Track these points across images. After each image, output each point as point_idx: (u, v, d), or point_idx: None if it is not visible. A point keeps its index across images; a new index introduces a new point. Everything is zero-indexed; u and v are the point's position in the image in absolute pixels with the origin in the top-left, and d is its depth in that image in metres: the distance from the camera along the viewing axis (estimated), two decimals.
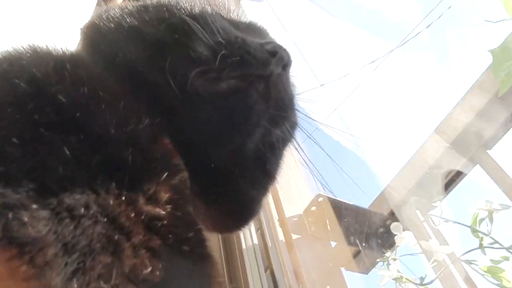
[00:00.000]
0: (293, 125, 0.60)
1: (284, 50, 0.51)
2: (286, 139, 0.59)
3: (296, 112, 0.60)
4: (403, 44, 1.70)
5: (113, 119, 0.39)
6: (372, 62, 1.76)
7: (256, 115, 0.49)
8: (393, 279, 1.14)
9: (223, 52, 0.47)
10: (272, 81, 0.50)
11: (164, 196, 0.40)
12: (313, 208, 1.35)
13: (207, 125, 0.47)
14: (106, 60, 0.51)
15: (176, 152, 0.46)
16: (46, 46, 0.46)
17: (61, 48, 0.48)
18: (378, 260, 1.39)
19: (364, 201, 1.50)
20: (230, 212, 0.55)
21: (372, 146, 1.69)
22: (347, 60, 1.90)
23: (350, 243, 1.43)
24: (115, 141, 0.38)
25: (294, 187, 1.40)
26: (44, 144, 0.34)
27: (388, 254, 1.41)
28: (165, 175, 0.40)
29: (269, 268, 1.17)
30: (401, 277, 1.14)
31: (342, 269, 1.43)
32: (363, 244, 1.45)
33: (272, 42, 0.52)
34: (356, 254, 1.49)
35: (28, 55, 0.43)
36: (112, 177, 0.36)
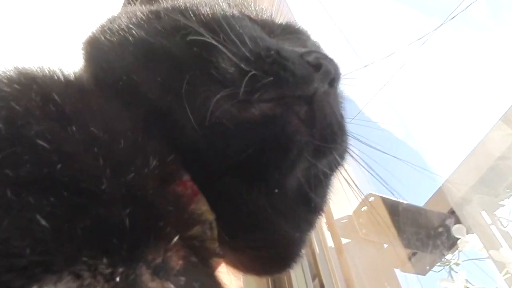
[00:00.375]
0: (344, 152, 0.49)
1: (331, 61, 0.42)
2: (335, 169, 0.50)
3: (348, 136, 0.48)
4: (454, 18, 1.53)
5: (107, 168, 0.31)
6: (419, 39, 1.60)
7: (297, 147, 0.40)
8: None
9: (252, 72, 0.38)
10: (317, 102, 0.41)
11: (176, 264, 0.31)
12: (364, 208, 1.23)
13: (235, 162, 0.38)
14: (107, 84, 0.42)
15: (196, 193, 0.38)
16: (37, 69, 0.38)
17: (57, 72, 0.40)
18: (438, 264, 1.27)
19: (419, 199, 1.37)
20: (267, 258, 0.46)
21: (428, 135, 1.55)
22: (391, 39, 1.74)
23: (405, 245, 1.31)
24: (108, 198, 0.29)
25: (342, 185, 1.28)
26: (10, 214, 0.26)
27: (449, 257, 1.29)
28: (177, 237, 0.31)
29: (317, 276, 1.08)
30: None
31: (397, 270, 1.32)
32: (420, 246, 1.33)
33: (314, 52, 0.42)
34: (412, 256, 1.38)
35: (8, 82, 0.34)
36: (104, 249, 0.27)
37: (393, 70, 1.59)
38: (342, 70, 0.45)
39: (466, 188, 1.31)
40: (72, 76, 0.42)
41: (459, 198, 1.32)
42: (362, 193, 0.59)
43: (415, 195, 1.37)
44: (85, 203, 0.28)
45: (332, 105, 0.43)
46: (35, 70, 0.38)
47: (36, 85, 0.34)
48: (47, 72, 0.39)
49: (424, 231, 1.33)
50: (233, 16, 0.45)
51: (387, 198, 1.25)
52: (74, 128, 0.32)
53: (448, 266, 1.26)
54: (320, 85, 0.40)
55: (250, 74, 0.38)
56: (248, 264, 0.46)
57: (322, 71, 0.40)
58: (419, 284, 1.40)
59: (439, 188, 1.36)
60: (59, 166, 0.29)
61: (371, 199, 1.24)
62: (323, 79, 0.40)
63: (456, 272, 1.16)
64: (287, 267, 0.48)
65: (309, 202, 0.46)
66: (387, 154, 0.64)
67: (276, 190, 0.41)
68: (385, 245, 1.26)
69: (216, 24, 0.43)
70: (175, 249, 0.31)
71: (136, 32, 0.44)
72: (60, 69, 0.40)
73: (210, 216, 0.38)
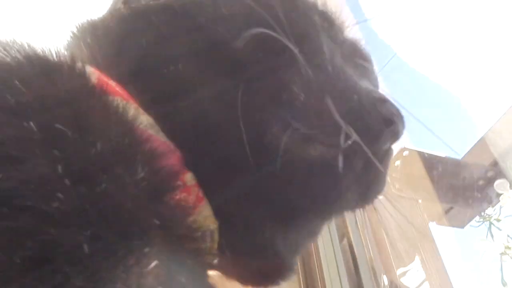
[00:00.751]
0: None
1: (401, 116, 0.37)
2: None
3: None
4: None
5: (66, 177, 0.24)
6: None
7: (341, 205, 0.40)
8: (500, 253, 0.94)
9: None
10: (376, 160, 0.37)
11: None
12: (398, 163, 1.16)
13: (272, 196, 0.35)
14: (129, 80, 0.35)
15: (200, 199, 0.33)
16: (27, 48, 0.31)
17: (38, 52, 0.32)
18: (477, 220, 1.20)
19: (458, 151, 1.28)
20: (259, 272, 0.42)
21: (469, 80, 1.42)
22: None
23: (441, 200, 1.23)
24: (62, 218, 0.23)
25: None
26: None
27: (489, 211, 1.21)
28: (156, 261, 0.25)
29: (345, 236, 1.03)
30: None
31: (433, 224, 1.26)
32: (458, 200, 1.25)
33: (388, 102, 0.38)
34: (449, 210, 1.31)
35: None
36: (53, 285, 0.21)
37: (431, 11, 1.44)
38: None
39: None
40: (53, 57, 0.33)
41: (503, 149, 1.22)
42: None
43: (454, 147, 1.27)
44: (28, 224, 0.22)
45: (388, 164, 0.41)
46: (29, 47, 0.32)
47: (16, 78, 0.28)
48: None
49: (463, 184, 1.25)
50: (318, 29, 0.39)
51: (423, 152, 1.18)
52: (32, 123, 0.25)
53: (488, 221, 1.19)
54: (384, 144, 0.37)
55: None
56: (241, 275, 0.42)
57: (392, 130, 0.36)
58: (455, 239, 1.34)
59: (481, 139, 1.25)
60: None
61: (405, 153, 1.17)
62: (390, 139, 0.37)
63: (498, 229, 1.09)
64: (276, 283, 0.44)
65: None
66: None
67: (295, 232, 0.40)
68: (420, 201, 1.19)
69: (300, 29, 0.37)
70: (155, 272, 0.25)
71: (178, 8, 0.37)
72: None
73: (213, 225, 0.33)
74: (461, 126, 1.35)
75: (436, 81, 1.41)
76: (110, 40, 0.39)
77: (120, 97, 0.33)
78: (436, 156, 1.19)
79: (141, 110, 0.33)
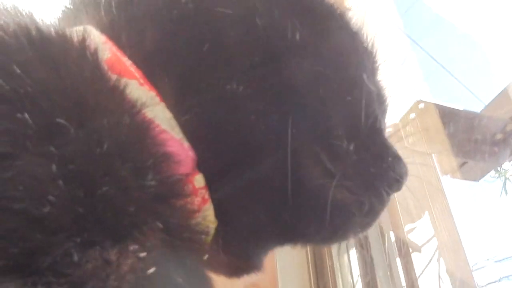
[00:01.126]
0: None
1: (407, 175, 0.42)
2: None
3: None
4: None
5: (60, 178, 0.22)
6: None
7: (352, 231, 0.42)
8: None
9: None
10: (378, 208, 0.41)
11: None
12: (412, 116, 1.11)
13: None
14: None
15: (205, 201, 0.32)
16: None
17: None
18: (491, 175, 1.17)
19: (478, 103, 1.22)
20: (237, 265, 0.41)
21: (493, 28, 1.33)
22: None
23: (456, 154, 1.20)
24: (52, 224, 0.21)
25: (388, 90, 1.15)
26: None
27: (506, 166, 1.17)
28: (154, 267, 0.24)
29: None
30: None
31: (447, 177, 1.24)
32: (474, 154, 1.21)
33: (402, 162, 0.42)
34: (463, 165, 1.27)
35: None
36: None
37: None
38: None
39: None
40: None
41: None
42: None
43: (473, 99, 1.22)
44: (13, 229, 0.20)
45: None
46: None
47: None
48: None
49: (480, 138, 1.20)
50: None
51: (440, 105, 1.13)
52: (27, 114, 0.23)
53: (504, 176, 1.16)
54: (387, 198, 0.41)
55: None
56: (218, 268, 0.41)
57: (396, 187, 0.41)
58: (469, 194, 1.32)
59: (502, 91, 1.19)
60: None
61: (421, 105, 1.12)
62: (392, 192, 0.41)
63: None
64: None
65: None
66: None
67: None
68: (433, 155, 1.16)
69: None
70: (152, 279, 0.23)
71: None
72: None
73: (211, 225, 0.32)
74: (483, 77, 1.28)
75: (460, 28, 1.33)
76: (144, 10, 0.34)
77: (136, 80, 0.30)
78: (453, 109, 1.14)
79: (158, 99, 0.30)
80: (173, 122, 0.30)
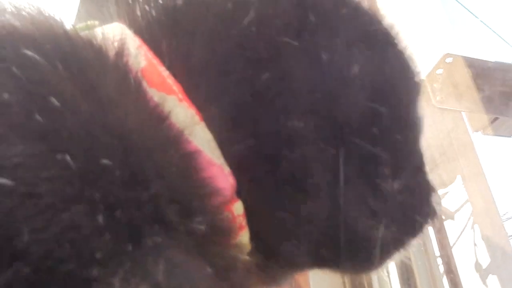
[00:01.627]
0: None
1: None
2: None
3: None
4: None
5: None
6: None
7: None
8: None
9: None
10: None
11: None
12: (439, 71, 1.04)
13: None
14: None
15: (242, 227, 0.29)
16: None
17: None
18: None
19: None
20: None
21: None
22: None
23: (487, 110, 1.12)
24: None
25: (413, 44, 1.07)
26: None
27: None
28: None
29: None
30: None
31: (478, 133, 1.17)
32: (506, 109, 1.14)
33: (436, 192, 0.40)
34: (494, 121, 1.20)
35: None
36: None
37: None
38: None
39: None
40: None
41: None
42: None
43: (506, 48, 1.13)
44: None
45: None
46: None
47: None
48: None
49: None
50: None
51: (469, 58, 1.04)
52: (68, 156, 0.20)
53: None
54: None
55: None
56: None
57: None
58: (500, 150, 1.25)
59: None
60: None
61: (449, 60, 1.04)
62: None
63: None
64: None
65: None
66: None
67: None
68: (463, 113, 1.09)
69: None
70: None
71: None
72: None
73: (245, 250, 0.30)
74: None
75: None
76: (195, 23, 0.31)
77: (175, 96, 0.27)
78: (484, 61, 1.06)
79: (197, 118, 0.27)
80: (213, 144, 0.28)
